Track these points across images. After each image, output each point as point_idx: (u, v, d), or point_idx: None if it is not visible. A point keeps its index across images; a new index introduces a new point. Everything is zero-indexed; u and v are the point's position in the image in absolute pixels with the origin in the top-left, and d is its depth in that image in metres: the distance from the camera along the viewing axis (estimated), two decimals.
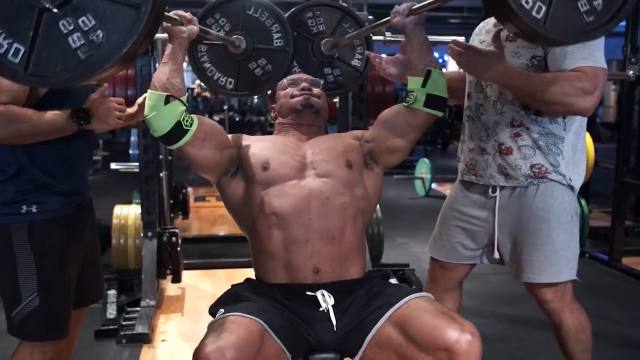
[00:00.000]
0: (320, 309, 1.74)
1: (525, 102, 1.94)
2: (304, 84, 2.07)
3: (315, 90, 2.07)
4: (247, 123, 13.04)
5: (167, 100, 1.73)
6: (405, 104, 1.93)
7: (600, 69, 1.82)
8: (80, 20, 1.19)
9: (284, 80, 2.13)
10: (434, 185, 7.79)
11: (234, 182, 1.93)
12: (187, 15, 1.78)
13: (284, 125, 2.06)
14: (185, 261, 3.85)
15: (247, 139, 2.00)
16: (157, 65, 3.67)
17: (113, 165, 4.59)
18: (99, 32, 1.19)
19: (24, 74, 1.22)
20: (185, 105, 1.78)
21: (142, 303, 3.31)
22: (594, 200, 5.61)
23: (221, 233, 5.45)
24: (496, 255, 2.11)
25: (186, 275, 3.82)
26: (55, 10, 1.19)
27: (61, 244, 1.87)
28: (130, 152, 5.97)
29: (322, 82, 2.19)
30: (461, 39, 3.52)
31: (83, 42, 1.20)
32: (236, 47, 2.25)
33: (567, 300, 2.06)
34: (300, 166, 1.91)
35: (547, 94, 1.80)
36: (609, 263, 4.63)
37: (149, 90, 1.77)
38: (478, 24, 2.26)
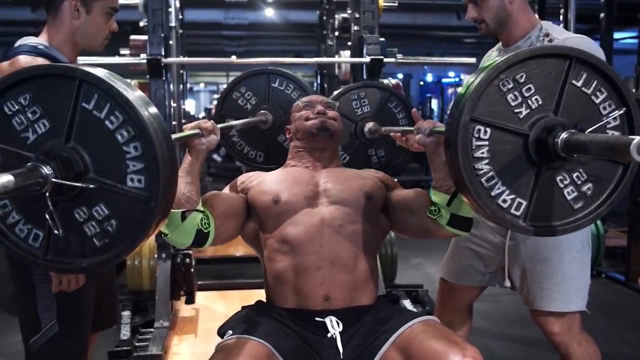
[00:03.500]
0: (329, 335, 1.74)
1: None
2: (319, 107, 2.06)
3: (331, 113, 2.07)
4: None
5: (183, 216, 1.67)
6: (429, 215, 1.79)
7: None
8: (94, 210, 1.21)
9: (299, 102, 2.13)
10: None
11: (250, 221, 1.94)
12: (209, 126, 1.71)
13: (299, 149, 2.06)
14: (199, 282, 3.86)
15: (255, 178, 1.99)
16: (171, 88, 3.73)
17: None
18: (112, 221, 1.21)
19: (43, 259, 1.25)
20: (201, 212, 1.71)
21: (156, 324, 3.31)
22: (610, 219, 5.56)
23: (236, 254, 5.45)
24: (507, 283, 2.10)
25: (200, 296, 3.83)
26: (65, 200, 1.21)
27: None
28: None
29: (337, 104, 2.18)
30: (473, 60, 3.56)
31: (98, 230, 1.21)
32: (264, 123, 2.29)
33: (575, 332, 2.04)
34: (312, 195, 1.91)
35: None
36: (625, 283, 4.59)
37: None
38: (492, 43, 2.26)
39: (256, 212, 1.91)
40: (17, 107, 1.23)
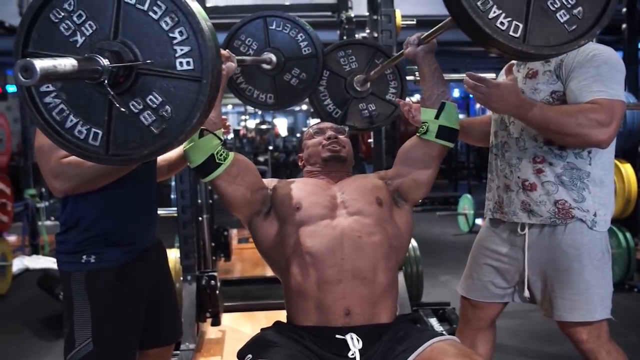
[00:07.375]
0: (349, 355, 1.73)
1: (541, 134, 1.93)
2: (330, 133, 2.10)
3: (342, 138, 2.11)
4: (292, 163, 13.13)
5: (201, 134, 1.79)
6: (418, 134, 1.98)
7: (617, 101, 1.80)
8: (148, 99, 1.27)
9: (310, 130, 2.17)
10: (478, 221, 7.67)
11: (267, 222, 1.96)
12: (226, 52, 1.86)
13: (313, 172, 2.10)
14: (225, 303, 3.87)
15: (279, 182, 2.04)
16: None
17: None
18: (167, 107, 1.27)
19: (106, 155, 1.31)
20: (219, 139, 1.83)
21: (182, 346, 3.33)
22: None
23: (263, 274, 5.45)
24: (526, 294, 2.08)
25: (226, 317, 3.84)
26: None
27: (117, 293, 1.91)
28: (172, 196, 6.07)
29: (347, 129, 2.22)
30: (491, 75, 3.54)
31: (154, 118, 1.27)
32: (268, 64, 2.33)
33: (603, 340, 2.01)
34: (331, 206, 1.93)
35: (561, 125, 1.79)
36: None
37: None
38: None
39: (277, 212, 1.94)
40: (62, 14, 1.29)
